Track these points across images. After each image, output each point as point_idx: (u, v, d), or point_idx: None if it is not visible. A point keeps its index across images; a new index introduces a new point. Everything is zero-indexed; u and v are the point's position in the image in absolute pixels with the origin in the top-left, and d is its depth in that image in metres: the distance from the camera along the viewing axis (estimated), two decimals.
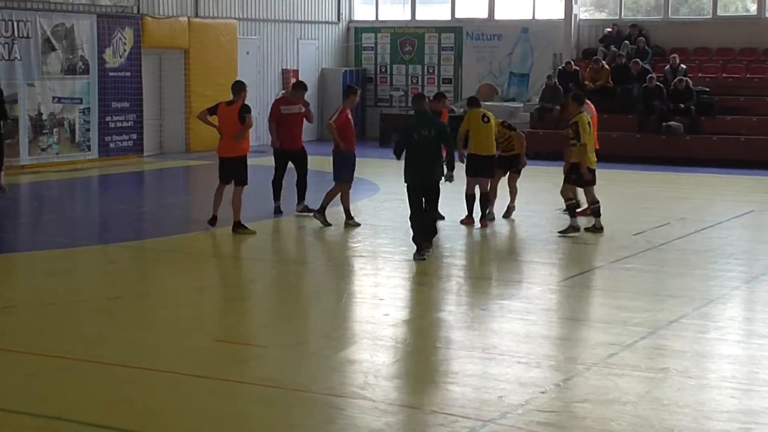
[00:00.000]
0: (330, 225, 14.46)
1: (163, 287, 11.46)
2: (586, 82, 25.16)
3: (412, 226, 12.59)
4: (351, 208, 14.81)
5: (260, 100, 25.30)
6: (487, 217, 14.89)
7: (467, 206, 14.92)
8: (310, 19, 28.72)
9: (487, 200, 14.94)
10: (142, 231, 15.10)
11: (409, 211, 12.60)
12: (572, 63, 25.80)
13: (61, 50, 21.57)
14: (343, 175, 14.71)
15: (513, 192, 15.50)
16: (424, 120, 12.53)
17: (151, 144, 24.17)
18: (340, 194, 14.71)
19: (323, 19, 29.23)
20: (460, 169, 13.56)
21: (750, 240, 14.54)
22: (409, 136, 12.41)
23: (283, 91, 27.21)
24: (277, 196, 15.68)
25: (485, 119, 14.94)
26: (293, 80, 27.22)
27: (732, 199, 17.85)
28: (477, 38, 28.67)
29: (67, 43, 21.71)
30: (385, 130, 27.31)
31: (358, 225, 14.54)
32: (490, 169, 14.94)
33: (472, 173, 14.85)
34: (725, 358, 8.63)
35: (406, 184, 12.48)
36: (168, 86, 24.53)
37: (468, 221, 14.86)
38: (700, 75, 25.21)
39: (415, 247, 12.47)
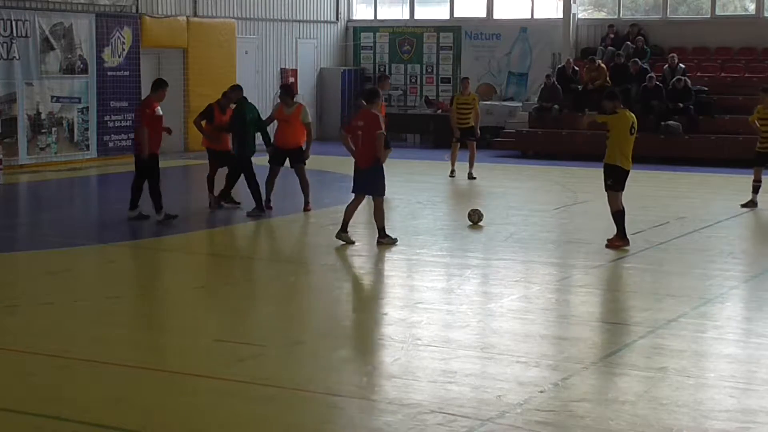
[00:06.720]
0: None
1: (162, 286, 11.47)
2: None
3: None
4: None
5: (259, 100, 25.27)
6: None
7: (620, 224, 13.15)
8: (308, 19, 28.72)
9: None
10: (140, 230, 15.09)
11: None
12: (571, 61, 25.80)
13: (59, 49, 21.57)
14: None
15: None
16: None
17: None
18: None
19: (322, 19, 29.22)
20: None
21: (748, 239, 14.55)
22: None
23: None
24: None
25: (633, 130, 13.08)
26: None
27: (730, 198, 17.83)
28: (476, 38, 28.67)
29: (65, 42, 21.70)
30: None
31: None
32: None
33: (621, 187, 13.23)
34: (724, 357, 8.63)
35: None
36: None
37: (622, 243, 13.05)
38: (698, 74, 25.22)
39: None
